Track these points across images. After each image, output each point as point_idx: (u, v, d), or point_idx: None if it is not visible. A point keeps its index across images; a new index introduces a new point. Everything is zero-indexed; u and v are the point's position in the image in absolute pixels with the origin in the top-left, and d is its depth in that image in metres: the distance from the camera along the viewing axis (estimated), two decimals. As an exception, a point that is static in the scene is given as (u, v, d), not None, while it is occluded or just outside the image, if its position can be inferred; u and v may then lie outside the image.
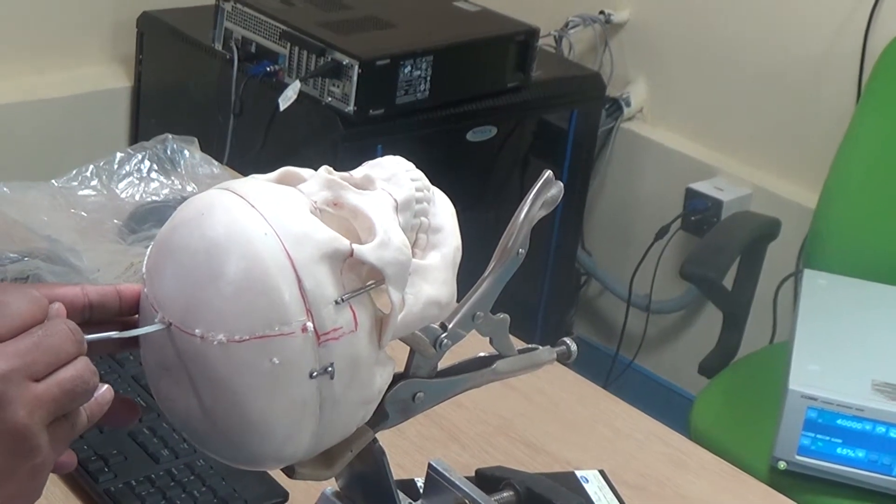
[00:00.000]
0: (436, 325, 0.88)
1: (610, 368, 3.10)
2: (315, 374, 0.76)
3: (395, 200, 0.83)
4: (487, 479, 1.06)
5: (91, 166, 1.78)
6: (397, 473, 0.98)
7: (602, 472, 1.45)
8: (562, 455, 1.48)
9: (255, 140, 2.52)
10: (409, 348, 0.89)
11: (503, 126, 2.73)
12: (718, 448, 2.13)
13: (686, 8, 2.95)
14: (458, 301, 0.89)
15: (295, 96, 2.47)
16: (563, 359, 1.00)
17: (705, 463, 1.53)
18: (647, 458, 1.51)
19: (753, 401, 2.27)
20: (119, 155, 1.80)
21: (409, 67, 2.51)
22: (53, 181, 1.76)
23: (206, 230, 0.77)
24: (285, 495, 1.30)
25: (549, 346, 1.00)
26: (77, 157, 1.80)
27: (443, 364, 0.92)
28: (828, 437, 2.03)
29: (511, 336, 0.96)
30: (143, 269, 0.81)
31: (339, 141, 2.49)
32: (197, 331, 0.75)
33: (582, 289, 3.21)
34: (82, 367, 0.74)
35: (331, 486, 0.96)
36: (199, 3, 2.71)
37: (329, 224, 0.79)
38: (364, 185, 0.83)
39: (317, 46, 2.49)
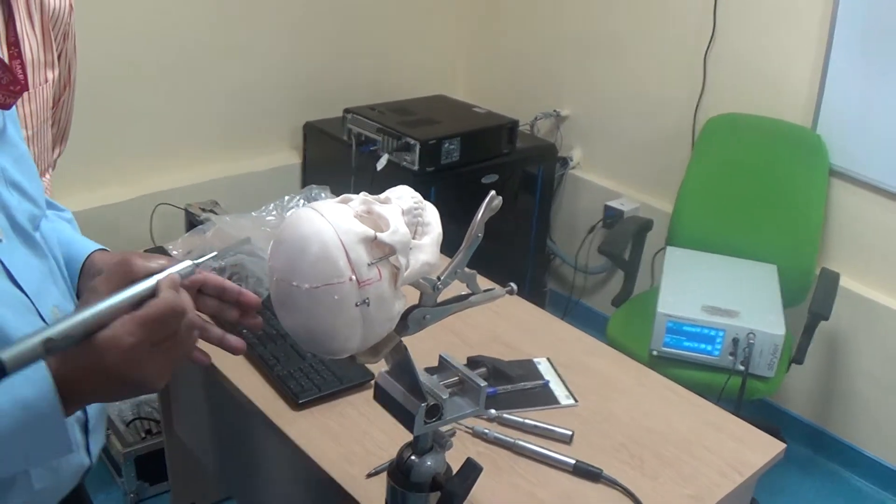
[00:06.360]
0: (433, 277, 0.89)
1: (566, 305, 3.09)
2: (358, 304, 0.78)
3: (402, 209, 0.85)
4: (473, 363, 1.06)
5: (272, 204, 1.81)
6: (432, 363, 0.98)
7: (548, 359, 1.46)
8: (527, 350, 1.49)
9: (365, 187, 2.51)
10: (419, 291, 0.90)
11: (502, 174, 2.71)
12: (621, 346, 2.14)
13: (601, 108, 2.92)
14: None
15: (385, 162, 2.48)
16: (510, 293, 0.99)
17: (609, 353, 1.53)
18: (574, 351, 1.51)
19: (640, 319, 2.26)
20: (286, 197, 1.81)
21: (447, 144, 2.52)
22: (253, 213, 1.78)
23: (298, 228, 0.79)
24: (371, 376, 1.32)
25: (501, 287, 0.99)
26: (267, 199, 1.83)
27: (440, 299, 0.92)
28: (678, 336, 2.03)
29: (479, 281, 0.94)
30: (269, 251, 0.83)
31: (410, 187, 2.49)
32: (294, 283, 0.78)
33: (550, 262, 3.20)
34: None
35: (383, 367, 0.97)
36: (336, 115, 2.72)
37: (364, 223, 0.80)
38: (385, 201, 0.85)
39: (396, 134, 2.50)
